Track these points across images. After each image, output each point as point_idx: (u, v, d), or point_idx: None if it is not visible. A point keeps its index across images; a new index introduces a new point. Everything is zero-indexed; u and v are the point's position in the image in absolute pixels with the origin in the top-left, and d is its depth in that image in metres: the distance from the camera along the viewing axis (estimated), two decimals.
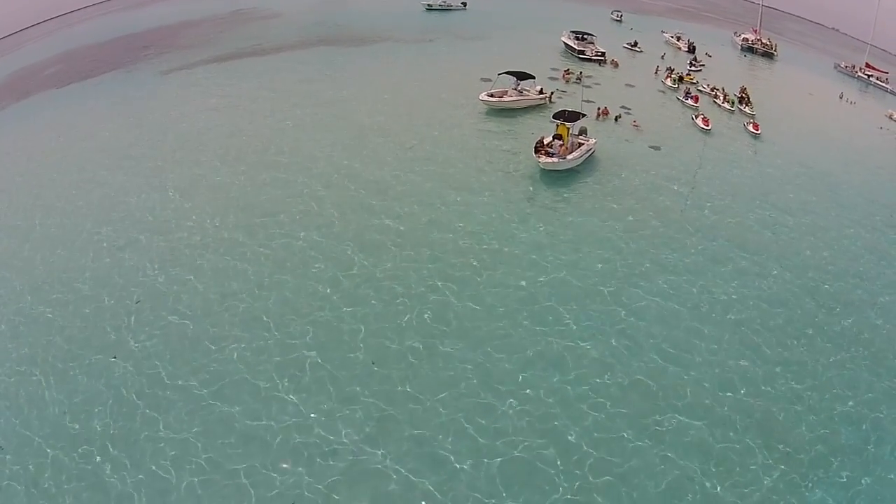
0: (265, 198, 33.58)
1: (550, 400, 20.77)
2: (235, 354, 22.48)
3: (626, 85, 60.81)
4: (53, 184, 38.13)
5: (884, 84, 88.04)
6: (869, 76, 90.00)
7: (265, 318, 24.26)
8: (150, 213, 32.68)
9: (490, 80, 49.95)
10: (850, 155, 49.43)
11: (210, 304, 25.30)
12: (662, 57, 72.73)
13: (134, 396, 20.87)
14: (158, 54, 74.65)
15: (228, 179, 36.06)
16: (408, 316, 24.48)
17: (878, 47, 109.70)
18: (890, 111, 66.57)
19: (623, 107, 50.89)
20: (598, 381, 21.68)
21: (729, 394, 21.61)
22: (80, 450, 19.13)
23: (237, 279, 26.73)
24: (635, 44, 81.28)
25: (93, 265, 28.47)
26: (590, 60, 69.17)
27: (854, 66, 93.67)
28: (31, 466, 18.80)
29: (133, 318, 24.62)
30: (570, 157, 36.66)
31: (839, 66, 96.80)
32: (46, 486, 18.17)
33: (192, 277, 26.92)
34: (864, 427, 20.94)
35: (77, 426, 20.00)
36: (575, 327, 24.19)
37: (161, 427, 19.67)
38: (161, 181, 36.24)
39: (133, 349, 22.98)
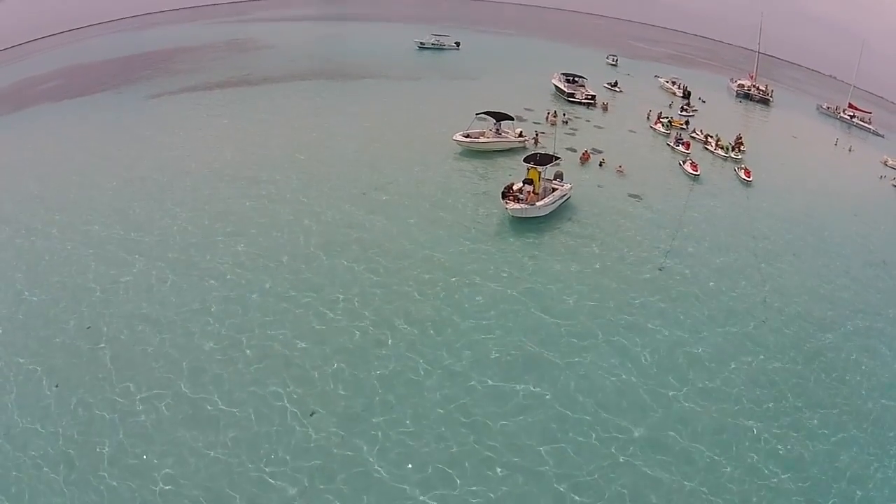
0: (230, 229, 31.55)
1: None
2: None
3: (615, 129, 58.78)
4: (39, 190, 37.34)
5: (866, 124, 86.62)
6: (851, 116, 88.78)
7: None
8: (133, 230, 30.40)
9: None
10: (846, 204, 46.95)
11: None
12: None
13: None
14: (153, 77, 75.02)
15: (198, 202, 34.88)
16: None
17: (862, 89, 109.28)
18: (885, 157, 64.42)
19: (594, 149, 48.57)
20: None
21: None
22: None
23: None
24: (615, 84, 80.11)
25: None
26: (579, 103, 67.54)
27: (837, 108, 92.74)
28: None
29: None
30: (539, 203, 33.89)
31: (821, 107, 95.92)
32: None
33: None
34: None
35: None
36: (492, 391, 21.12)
37: None
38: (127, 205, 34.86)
39: None
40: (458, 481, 17.87)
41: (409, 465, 18.28)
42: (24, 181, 39.34)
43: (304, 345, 23.14)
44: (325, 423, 19.60)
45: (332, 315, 24.90)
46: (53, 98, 67.20)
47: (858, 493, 19.06)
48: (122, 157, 43.09)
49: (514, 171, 40.96)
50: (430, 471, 18.17)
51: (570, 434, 19.84)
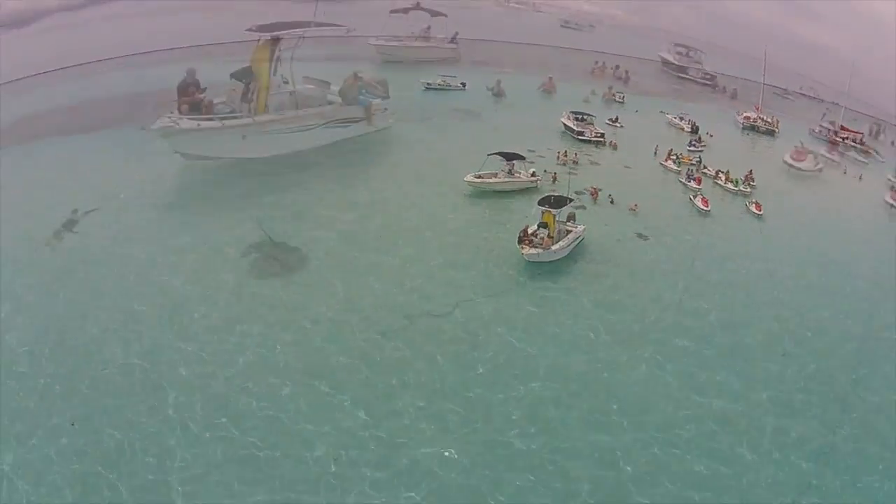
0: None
1: None
2: None
3: (626, 167, 59.35)
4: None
5: (857, 145, 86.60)
6: (844, 139, 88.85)
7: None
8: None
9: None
10: (858, 233, 47.12)
11: None
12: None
13: None
14: (159, 117, 75.54)
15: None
16: None
17: (853, 109, 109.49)
18: (891, 181, 64.61)
19: (597, 189, 48.42)
20: None
21: None
22: None
23: None
24: (616, 119, 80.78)
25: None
26: (588, 142, 68.08)
27: (829, 130, 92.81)
28: None
29: None
30: (555, 247, 34.20)
31: (813, 130, 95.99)
32: None
33: None
34: None
35: None
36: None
37: None
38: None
39: None
40: None
41: None
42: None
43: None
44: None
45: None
46: (64, 131, 68.46)
47: None
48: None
49: (527, 212, 41.27)
50: None
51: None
